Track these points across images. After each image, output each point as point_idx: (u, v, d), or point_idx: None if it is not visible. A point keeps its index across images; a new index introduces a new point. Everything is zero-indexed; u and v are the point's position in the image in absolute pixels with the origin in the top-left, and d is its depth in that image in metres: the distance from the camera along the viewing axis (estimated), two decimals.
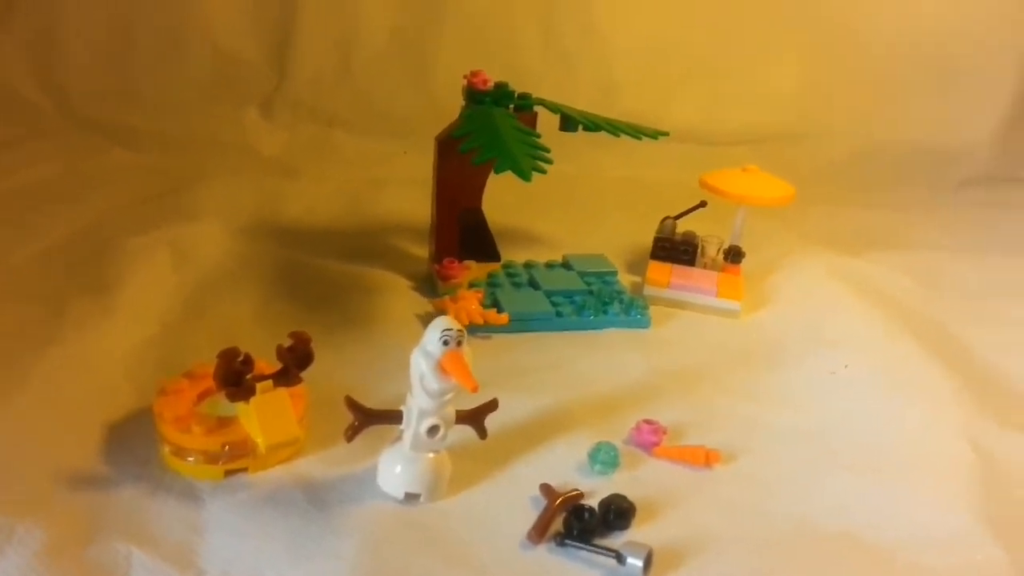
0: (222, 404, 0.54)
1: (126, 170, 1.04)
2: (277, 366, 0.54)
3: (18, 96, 1.17)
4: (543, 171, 0.67)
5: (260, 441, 0.52)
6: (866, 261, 1.01)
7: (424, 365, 0.50)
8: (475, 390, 0.49)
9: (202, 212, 0.94)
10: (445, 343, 0.49)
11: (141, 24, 1.18)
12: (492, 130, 0.72)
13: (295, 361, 0.53)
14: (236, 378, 0.51)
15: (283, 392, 0.53)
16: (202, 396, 0.56)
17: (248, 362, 0.52)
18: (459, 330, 0.50)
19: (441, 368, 0.49)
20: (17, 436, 0.54)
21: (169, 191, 1.00)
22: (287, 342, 0.54)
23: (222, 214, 0.94)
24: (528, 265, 0.88)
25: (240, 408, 0.53)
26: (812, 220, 1.13)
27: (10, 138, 1.08)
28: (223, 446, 0.52)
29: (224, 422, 0.53)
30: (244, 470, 0.53)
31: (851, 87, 1.37)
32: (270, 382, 0.53)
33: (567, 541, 0.50)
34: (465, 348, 0.50)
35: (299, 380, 0.54)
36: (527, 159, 0.68)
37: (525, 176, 0.66)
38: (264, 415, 0.52)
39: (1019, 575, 0.51)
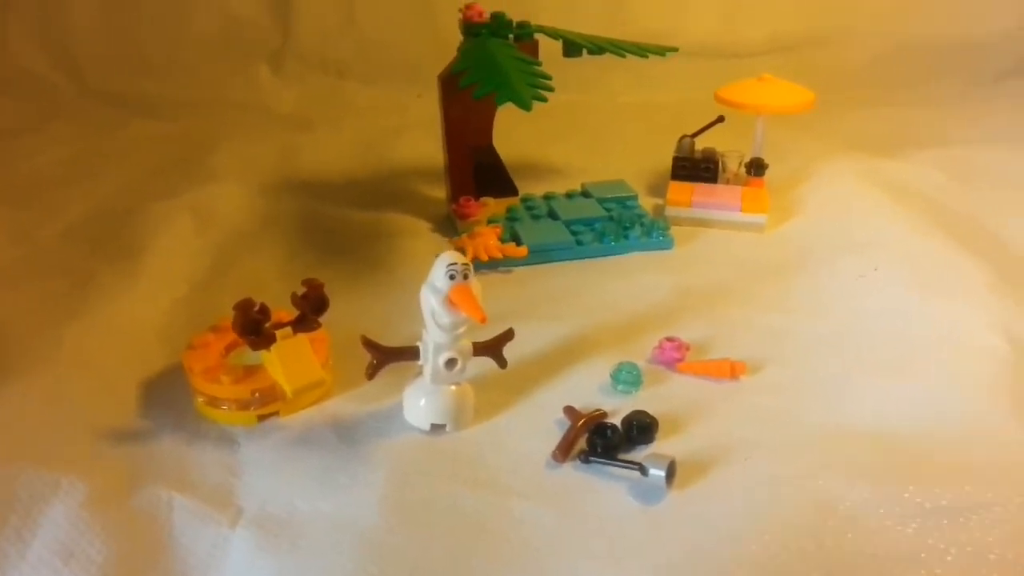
0: (248, 354, 0.56)
1: (143, 139, 1.06)
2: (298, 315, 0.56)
3: (32, 74, 1.18)
4: (543, 99, 0.66)
5: (285, 386, 0.54)
6: (896, 160, 0.98)
7: (433, 300, 0.50)
8: (483, 321, 0.49)
9: (221, 173, 0.96)
10: (451, 277, 0.50)
11: None
12: (490, 62, 0.71)
13: (310, 307, 0.54)
14: (255, 327, 0.52)
15: (303, 338, 0.55)
16: (229, 348, 0.58)
17: (264, 311, 0.53)
18: (464, 264, 0.50)
19: (450, 301, 0.50)
20: (55, 398, 0.56)
21: (187, 155, 1.01)
22: (302, 291, 0.55)
23: (241, 173, 0.96)
24: (547, 197, 0.87)
25: (264, 356, 0.55)
26: (841, 124, 1.10)
27: (29, 117, 1.11)
28: (253, 392, 0.54)
29: (251, 370, 0.55)
30: (276, 414, 0.55)
31: None
32: (289, 329, 0.54)
33: (591, 458, 0.51)
34: (472, 281, 0.51)
35: (317, 325, 0.55)
36: (526, 88, 0.67)
37: (525, 106, 0.65)
38: (286, 361, 0.53)
39: None
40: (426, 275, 0.73)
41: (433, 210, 0.87)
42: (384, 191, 0.93)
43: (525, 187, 0.89)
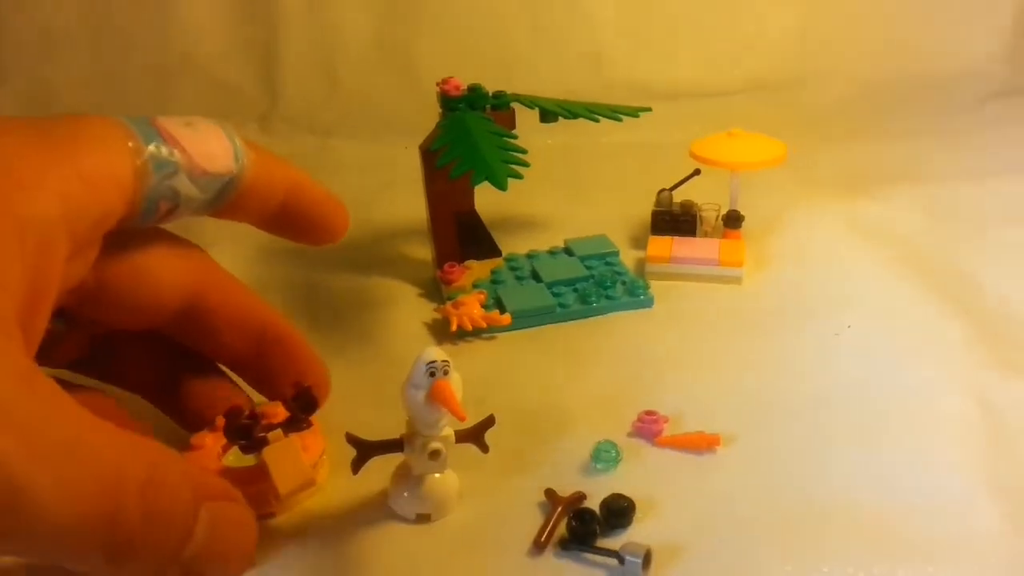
0: (242, 455, 0.56)
1: None
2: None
3: None
4: (519, 176, 0.69)
5: (278, 489, 0.54)
6: (873, 201, 0.99)
7: (415, 398, 0.52)
8: (464, 419, 0.52)
9: (215, 238, 0.96)
10: (432, 374, 0.52)
11: (133, 66, 1.21)
12: (466, 140, 0.73)
13: (300, 408, 0.56)
14: (245, 433, 0.54)
15: (293, 439, 0.55)
16: (226, 448, 0.58)
17: (254, 416, 0.55)
18: (444, 360, 0.52)
19: (430, 400, 0.52)
20: None
21: (184, 220, 1.03)
22: (289, 392, 0.56)
23: (233, 237, 0.97)
24: (530, 255, 0.90)
25: (257, 458, 0.55)
26: (820, 162, 1.12)
27: None
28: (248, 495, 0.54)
29: (247, 472, 0.55)
30: (271, 515, 0.56)
31: (848, 24, 1.33)
32: (280, 431, 0.55)
33: (571, 545, 0.53)
34: (452, 375, 0.53)
35: (309, 425, 0.56)
36: (501, 166, 0.69)
37: (501, 185, 0.67)
38: (276, 465, 0.54)
39: None
40: (414, 345, 0.76)
41: (419, 273, 0.89)
42: (371, 253, 0.95)
43: (510, 243, 0.91)
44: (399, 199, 1.07)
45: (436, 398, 0.52)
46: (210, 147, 0.44)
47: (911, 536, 0.52)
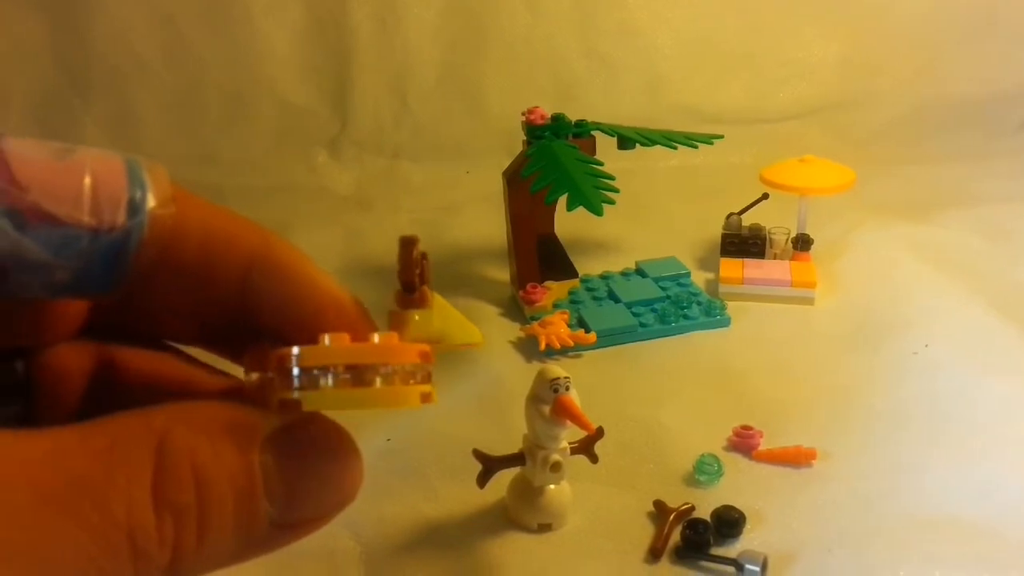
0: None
1: None
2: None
3: None
4: (612, 202, 0.72)
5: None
6: (930, 224, 1.03)
7: (539, 413, 0.55)
8: (592, 431, 0.55)
9: None
10: (555, 391, 0.55)
11: (209, 90, 1.25)
12: (558, 167, 0.77)
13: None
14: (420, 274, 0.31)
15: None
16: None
17: (427, 260, 0.32)
18: (566, 377, 0.56)
19: (555, 414, 0.55)
20: None
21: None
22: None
23: (312, 260, 1.01)
24: (605, 276, 0.93)
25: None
26: (874, 185, 1.14)
27: None
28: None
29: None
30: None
31: (893, 49, 1.37)
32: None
33: (686, 554, 0.56)
34: (573, 391, 0.56)
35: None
36: (595, 192, 0.73)
37: (597, 211, 0.71)
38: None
39: None
40: (503, 363, 0.79)
41: (497, 293, 0.93)
42: (448, 274, 0.98)
43: (582, 265, 0.94)
44: (466, 221, 1.11)
45: (561, 412, 0.55)
46: (71, 184, 0.24)
47: (1014, 543, 0.55)
